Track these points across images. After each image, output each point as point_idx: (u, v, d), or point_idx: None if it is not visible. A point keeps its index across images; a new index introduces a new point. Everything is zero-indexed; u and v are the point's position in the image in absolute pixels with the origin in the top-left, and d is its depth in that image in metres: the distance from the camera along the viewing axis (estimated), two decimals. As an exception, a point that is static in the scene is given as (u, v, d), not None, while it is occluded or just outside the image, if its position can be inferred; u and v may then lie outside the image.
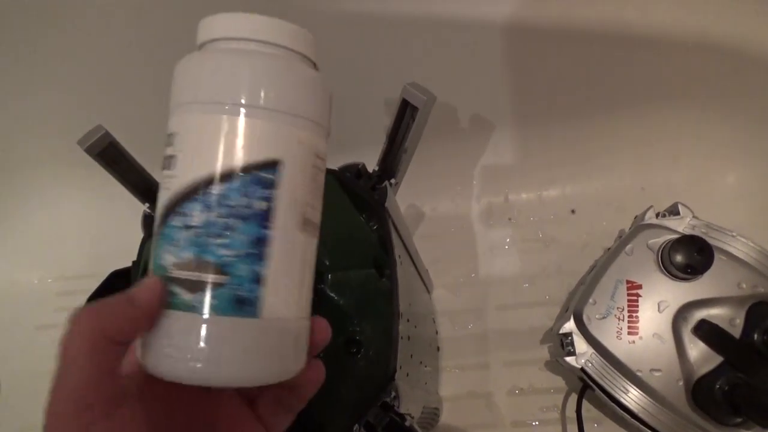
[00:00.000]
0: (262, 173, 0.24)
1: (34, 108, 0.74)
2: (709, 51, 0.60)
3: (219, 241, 0.23)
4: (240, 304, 0.24)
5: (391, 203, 0.43)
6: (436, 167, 0.72)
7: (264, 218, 0.24)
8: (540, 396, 0.62)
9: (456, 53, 0.63)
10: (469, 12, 0.60)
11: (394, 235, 0.43)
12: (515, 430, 0.61)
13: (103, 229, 0.78)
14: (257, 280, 0.24)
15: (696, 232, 0.54)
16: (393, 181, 0.43)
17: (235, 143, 0.23)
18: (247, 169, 0.23)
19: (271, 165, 0.24)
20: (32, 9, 0.64)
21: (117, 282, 0.49)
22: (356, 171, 0.42)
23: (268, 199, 0.24)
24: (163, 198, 0.24)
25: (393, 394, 0.37)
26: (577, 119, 0.69)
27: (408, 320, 0.45)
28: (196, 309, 0.23)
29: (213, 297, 0.23)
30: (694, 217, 0.56)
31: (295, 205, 0.25)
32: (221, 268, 0.23)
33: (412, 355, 0.46)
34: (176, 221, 0.24)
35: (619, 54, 0.63)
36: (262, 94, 0.24)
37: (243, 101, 0.24)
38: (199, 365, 0.23)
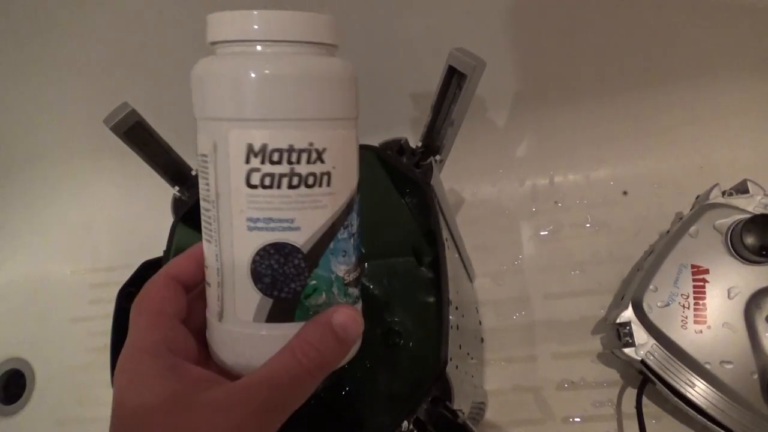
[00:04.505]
0: None
1: (63, 99, 0.73)
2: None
3: (360, 239, 0.27)
4: None
5: (436, 181, 0.40)
6: (476, 148, 0.69)
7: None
8: (592, 390, 0.58)
9: (497, 19, 0.59)
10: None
11: (440, 217, 0.40)
12: (566, 427, 0.58)
13: (135, 219, 0.77)
14: None
15: (769, 211, 0.49)
16: (438, 157, 0.40)
17: (357, 153, 0.27)
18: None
19: None
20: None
21: (148, 273, 0.48)
22: (398, 147, 0.39)
23: None
24: (325, 215, 0.25)
25: (445, 387, 0.34)
26: (628, 93, 0.64)
27: (456, 308, 0.41)
28: (358, 299, 0.28)
29: (360, 285, 0.28)
30: (765, 195, 0.51)
31: None
32: (362, 261, 0.28)
33: (460, 346, 0.43)
34: (344, 234, 0.25)
35: (675, 20, 0.58)
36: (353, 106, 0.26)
37: (355, 115, 0.26)
38: (356, 345, 0.27)
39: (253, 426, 0.22)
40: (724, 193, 0.53)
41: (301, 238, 0.24)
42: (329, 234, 0.25)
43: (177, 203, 0.42)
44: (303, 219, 0.24)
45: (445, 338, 0.34)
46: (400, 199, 0.47)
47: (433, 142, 0.40)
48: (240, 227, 0.24)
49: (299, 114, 0.24)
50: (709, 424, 0.48)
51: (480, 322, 0.63)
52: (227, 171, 0.24)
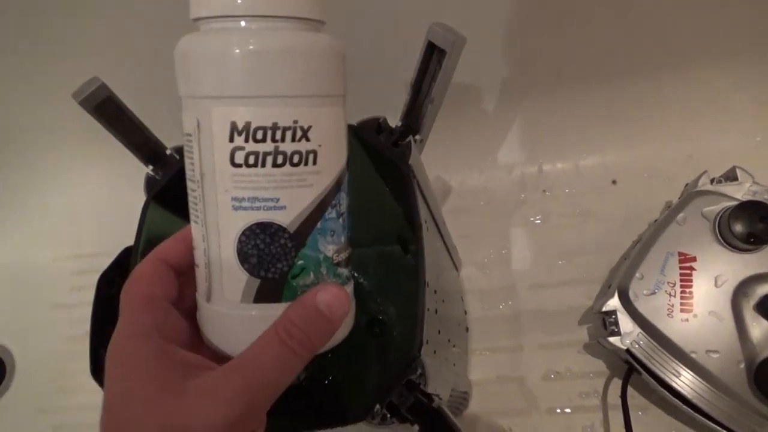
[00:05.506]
0: None
1: (44, 86, 0.71)
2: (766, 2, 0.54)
3: (350, 219, 0.27)
4: None
5: (416, 161, 0.39)
6: (464, 136, 0.68)
7: None
8: (578, 380, 0.58)
9: (484, 5, 0.58)
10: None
11: (419, 198, 0.39)
12: (551, 417, 0.57)
13: (117, 206, 0.75)
14: None
15: (758, 199, 0.48)
16: (418, 137, 0.39)
17: (345, 132, 0.26)
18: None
19: None
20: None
21: (129, 259, 0.47)
22: (377, 125, 0.38)
23: None
24: (311, 194, 0.24)
25: (419, 371, 0.33)
26: (617, 81, 0.63)
27: (435, 292, 0.40)
28: (349, 279, 0.27)
29: (351, 265, 0.28)
30: (754, 182, 0.50)
31: None
32: (352, 241, 0.27)
33: (440, 331, 0.42)
34: (332, 213, 0.25)
35: (665, 7, 0.57)
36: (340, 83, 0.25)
37: (342, 92, 0.25)
38: (346, 327, 0.27)
39: (240, 408, 0.22)
40: (712, 181, 0.52)
41: (287, 218, 0.24)
42: (316, 213, 0.24)
43: (149, 182, 0.41)
44: (289, 198, 0.24)
45: (420, 320, 0.33)
46: (383, 185, 0.46)
47: (413, 120, 0.39)
48: (225, 207, 0.24)
49: (283, 91, 0.23)
50: (695, 414, 0.47)
51: (465, 312, 0.62)
52: (211, 150, 0.23)
